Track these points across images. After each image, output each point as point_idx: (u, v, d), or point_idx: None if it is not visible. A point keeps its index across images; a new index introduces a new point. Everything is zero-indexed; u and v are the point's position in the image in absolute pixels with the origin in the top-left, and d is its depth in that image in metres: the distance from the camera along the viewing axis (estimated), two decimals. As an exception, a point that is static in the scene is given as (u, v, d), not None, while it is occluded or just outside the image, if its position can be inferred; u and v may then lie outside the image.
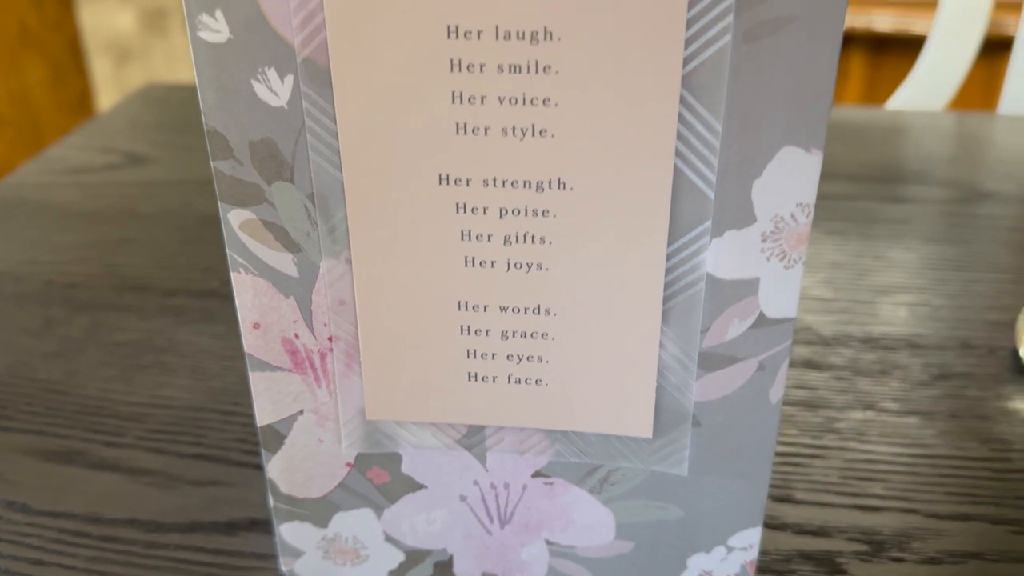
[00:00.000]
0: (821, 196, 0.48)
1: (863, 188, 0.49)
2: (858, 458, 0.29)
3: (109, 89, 1.89)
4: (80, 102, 1.83)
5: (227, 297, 0.39)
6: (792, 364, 0.34)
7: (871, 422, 0.31)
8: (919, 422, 0.31)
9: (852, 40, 1.16)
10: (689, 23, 0.17)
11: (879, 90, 1.19)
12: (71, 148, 0.55)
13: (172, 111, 0.61)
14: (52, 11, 1.74)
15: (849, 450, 0.30)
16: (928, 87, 0.67)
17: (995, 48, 0.94)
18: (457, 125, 0.18)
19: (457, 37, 0.17)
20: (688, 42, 0.17)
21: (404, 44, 0.17)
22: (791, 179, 0.18)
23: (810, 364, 0.34)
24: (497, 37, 0.17)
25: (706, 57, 0.17)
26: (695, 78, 0.17)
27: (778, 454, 0.29)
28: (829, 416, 0.31)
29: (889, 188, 0.49)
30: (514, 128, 0.18)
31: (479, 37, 0.17)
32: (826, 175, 0.50)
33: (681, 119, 0.18)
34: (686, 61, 0.17)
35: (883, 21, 1.11)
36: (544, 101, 0.18)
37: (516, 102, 0.18)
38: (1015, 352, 0.34)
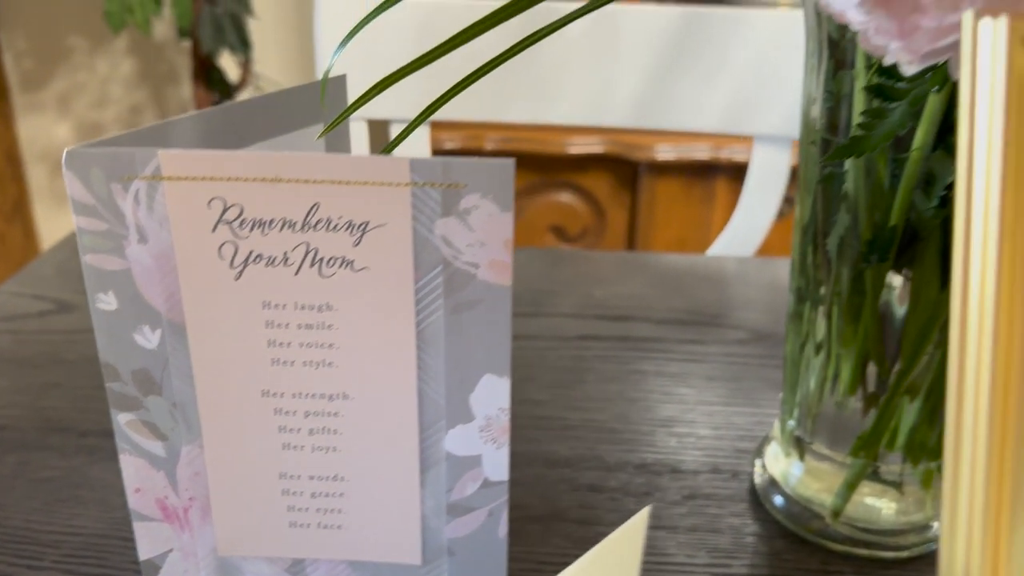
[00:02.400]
0: (631, 339, 0.58)
1: (668, 331, 0.59)
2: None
3: (44, 197, 1.95)
4: (16, 209, 1.88)
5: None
6: (576, 488, 0.43)
7: (629, 536, 0.40)
8: (664, 535, 0.41)
9: (719, 169, 1.30)
10: (416, 303, 0.26)
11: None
12: (7, 295, 0.63)
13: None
14: (-21, 124, 1.79)
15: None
16: (742, 234, 0.79)
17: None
18: (272, 360, 0.27)
19: (270, 308, 0.27)
20: (417, 313, 0.27)
21: (235, 311, 0.27)
22: (492, 393, 0.28)
23: (593, 488, 0.43)
24: (296, 308, 0.27)
25: (429, 322, 0.27)
26: (424, 335, 0.27)
27: (549, 563, 0.38)
28: (600, 531, 0.41)
29: (689, 331, 0.59)
30: (311, 361, 0.27)
31: (284, 308, 0.27)
32: (639, 319, 0.61)
33: (419, 360, 0.27)
34: (418, 324, 0.27)
35: (744, 153, 1.26)
36: (330, 345, 0.27)
37: (311, 346, 0.27)
38: (752, 476, 0.44)
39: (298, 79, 1.77)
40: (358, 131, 0.81)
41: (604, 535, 0.40)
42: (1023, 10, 0.16)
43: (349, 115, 0.30)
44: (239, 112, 0.31)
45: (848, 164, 0.33)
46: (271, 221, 0.26)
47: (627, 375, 0.54)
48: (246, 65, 1.61)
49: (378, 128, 0.84)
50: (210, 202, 0.26)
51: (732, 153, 1.27)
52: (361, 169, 0.25)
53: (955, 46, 0.19)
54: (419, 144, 0.84)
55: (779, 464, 0.42)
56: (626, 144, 1.30)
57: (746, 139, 0.81)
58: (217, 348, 0.27)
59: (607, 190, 1.36)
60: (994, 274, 0.16)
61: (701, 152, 1.27)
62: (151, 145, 0.27)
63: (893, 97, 0.27)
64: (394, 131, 0.81)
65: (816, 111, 0.35)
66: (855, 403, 0.38)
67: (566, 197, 1.38)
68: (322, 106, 0.33)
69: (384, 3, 0.32)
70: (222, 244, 0.26)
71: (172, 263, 0.26)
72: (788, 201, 1.21)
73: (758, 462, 0.44)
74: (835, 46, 0.32)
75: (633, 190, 1.35)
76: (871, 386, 0.37)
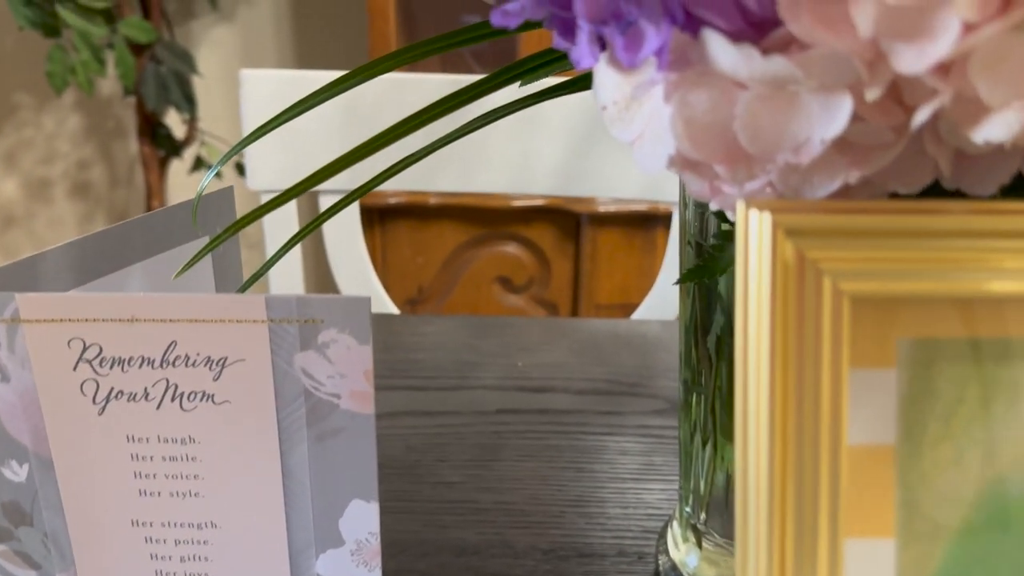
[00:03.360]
0: (549, 411, 0.59)
1: (586, 402, 0.60)
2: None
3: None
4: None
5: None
6: (483, 579, 0.44)
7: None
8: (567, 625, 0.41)
9: (658, 219, 1.32)
10: (280, 433, 0.27)
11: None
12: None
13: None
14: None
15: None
16: (669, 296, 0.81)
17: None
18: (139, 491, 0.28)
19: (134, 441, 0.27)
20: (281, 443, 0.27)
21: (100, 445, 0.27)
22: (361, 518, 0.28)
23: (500, 576, 0.44)
24: (160, 440, 0.27)
25: (294, 451, 0.27)
26: (289, 463, 0.27)
27: (449, 663, 0.39)
28: (503, 623, 0.41)
29: (607, 402, 0.60)
30: (177, 492, 0.28)
31: (147, 441, 0.27)
32: (559, 390, 0.62)
33: (286, 488, 0.28)
34: (282, 454, 0.27)
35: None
36: (195, 476, 0.27)
37: (176, 477, 0.27)
38: (656, 557, 0.45)
39: (241, 134, 1.78)
40: (287, 206, 0.82)
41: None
42: (786, 204, 0.17)
43: (238, 231, 0.30)
44: (116, 235, 0.31)
45: (718, 268, 0.34)
46: (130, 359, 0.26)
47: (542, 451, 0.55)
48: (191, 122, 1.61)
49: (306, 197, 0.84)
50: (70, 342, 0.26)
51: (670, 205, 1.29)
52: (217, 308, 0.25)
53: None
54: (349, 209, 0.84)
55: (679, 550, 0.43)
56: (567, 197, 1.31)
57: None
58: (84, 480, 0.28)
59: (551, 241, 1.37)
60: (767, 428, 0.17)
61: (639, 204, 1.29)
62: (21, 277, 0.27)
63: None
64: (322, 201, 0.82)
65: (689, 214, 0.36)
66: (743, 492, 0.39)
67: (511, 248, 1.39)
68: (194, 226, 0.33)
69: (299, 103, 0.33)
70: (84, 381, 0.26)
71: (36, 400, 0.27)
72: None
73: (660, 545, 0.44)
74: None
75: (576, 240, 1.37)
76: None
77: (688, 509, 0.41)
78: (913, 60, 0.16)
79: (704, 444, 0.39)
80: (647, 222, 1.32)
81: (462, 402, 0.60)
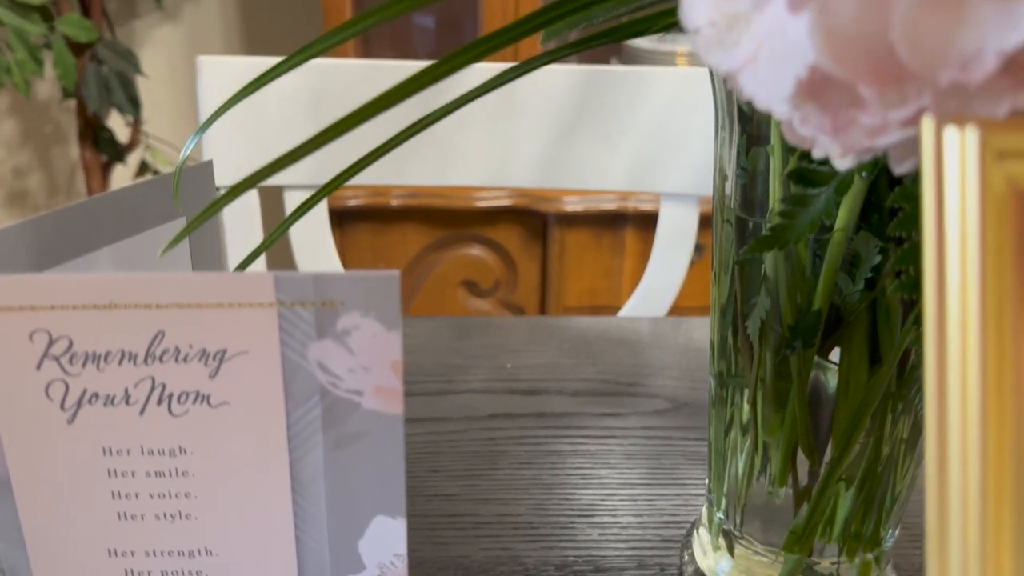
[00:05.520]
0: (546, 415, 0.55)
1: (583, 404, 0.56)
2: None
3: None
4: None
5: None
6: (493, 600, 0.40)
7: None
8: (591, 648, 0.37)
9: (626, 219, 1.29)
10: (289, 440, 0.22)
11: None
12: None
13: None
14: None
15: None
16: (654, 292, 0.77)
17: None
18: (118, 513, 0.23)
19: (111, 454, 0.22)
20: (291, 452, 0.23)
21: (69, 460, 0.22)
22: (385, 538, 0.24)
23: (511, 596, 0.40)
24: (143, 453, 0.22)
25: (306, 461, 0.23)
26: (301, 476, 0.23)
27: None
28: (520, 648, 0.37)
29: (605, 403, 0.57)
30: (164, 514, 0.23)
31: (128, 454, 0.22)
32: (553, 392, 0.58)
33: (296, 505, 0.23)
34: (292, 465, 0.23)
35: (651, 203, 1.25)
36: (186, 495, 0.23)
37: (164, 496, 0.23)
38: (680, 570, 0.41)
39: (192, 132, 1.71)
40: (249, 202, 0.77)
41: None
42: (992, 121, 0.13)
43: (217, 211, 0.26)
44: (81, 213, 0.27)
45: (766, 244, 0.31)
46: (107, 354, 0.21)
47: (542, 457, 0.50)
48: (135, 125, 1.54)
49: (271, 195, 0.79)
50: (32, 335, 0.21)
51: (639, 203, 1.26)
52: (215, 289, 0.21)
53: (899, 142, 0.17)
54: (318, 210, 0.79)
55: (707, 558, 0.39)
56: (534, 196, 1.28)
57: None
58: (50, 504, 0.23)
59: (517, 243, 1.33)
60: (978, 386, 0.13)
61: (608, 203, 1.26)
62: (-35, 262, 0.23)
63: (816, 182, 0.25)
64: (288, 198, 0.77)
65: (729, 187, 0.32)
66: (785, 495, 0.35)
67: (476, 251, 1.35)
68: (176, 204, 0.29)
69: (259, 78, 0.28)
70: (49, 383, 0.22)
71: (-12, 407, 0.22)
72: (698, 249, 1.20)
73: (686, 554, 0.41)
74: (748, 120, 0.30)
75: (543, 242, 1.33)
76: (803, 475, 0.35)
77: (720, 514, 0.38)
78: None
79: (743, 439, 0.35)
80: (615, 221, 1.29)
81: (451, 407, 0.56)
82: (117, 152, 1.56)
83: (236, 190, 0.23)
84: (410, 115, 0.28)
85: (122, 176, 1.67)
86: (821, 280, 0.30)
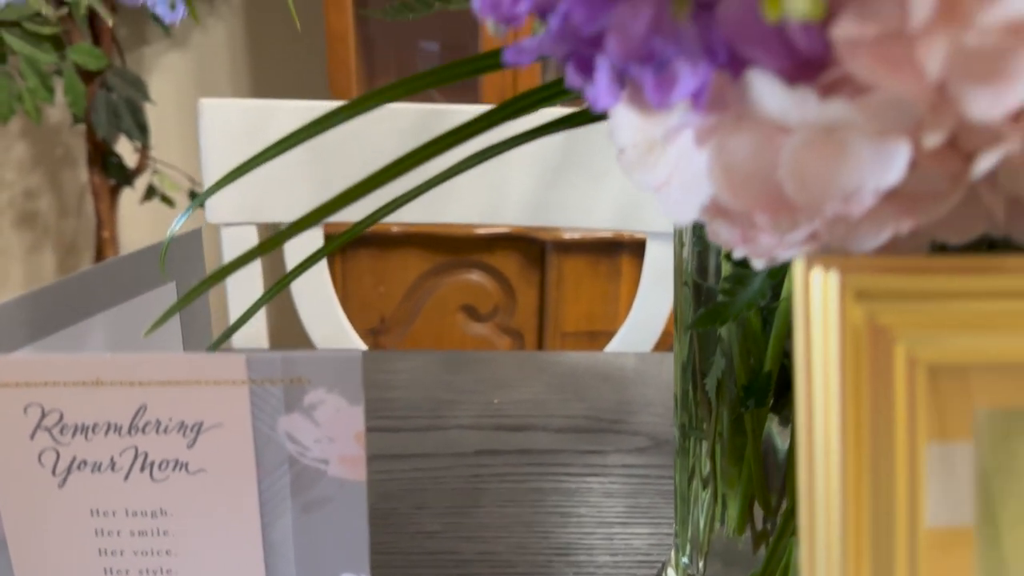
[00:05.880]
0: (530, 452, 0.57)
1: (567, 441, 0.58)
2: None
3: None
4: None
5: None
6: (469, 637, 0.41)
7: None
8: None
9: (623, 246, 1.31)
10: (261, 504, 0.24)
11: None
12: None
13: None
14: None
15: None
16: (641, 327, 0.79)
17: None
18: (104, 569, 0.25)
19: (99, 515, 0.24)
20: (263, 515, 0.25)
21: (60, 520, 0.24)
22: (350, 593, 0.26)
23: (486, 634, 0.41)
24: (128, 514, 0.24)
25: (278, 524, 0.25)
26: (272, 537, 0.25)
27: None
28: None
29: (588, 440, 0.58)
30: (147, 570, 0.25)
31: (114, 515, 0.24)
32: (538, 428, 0.59)
33: (268, 564, 0.25)
34: (264, 527, 0.25)
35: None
36: (167, 552, 0.25)
37: (147, 554, 0.25)
38: (649, 607, 0.43)
39: (197, 164, 1.74)
40: (247, 236, 0.79)
41: None
42: (852, 263, 0.15)
43: (210, 287, 0.28)
44: (74, 286, 0.29)
45: (720, 309, 0.33)
46: (94, 426, 0.24)
47: (525, 495, 0.52)
48: (143, 151, 1.57)
49: (269, 232, 0.82)
50: (27, 408, 0.23)
51: (635, 231, 1.28)
52: (193, 368, 0.23)
53: (865, 227, 0.18)
54: (314, 240, 0.82)
55: (674, 600, 0.41)
56: (532, 225, 1.30)
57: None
58: (43, 561, 0.25)
59: (516, 269, 1.36)
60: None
61: (605, 231, 1.28)
62: (-32, 336, 0.25)
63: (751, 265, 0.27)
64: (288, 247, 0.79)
65: (687, 252, 0.34)
66: (745, 541, 0.37)
67: (476, 276, 1.37)
68: (162, 273, 0.31)
69: (265, 151, 0.31)
70: (42, 451, 0.24)
71: (-13, 473, 0.24)
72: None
73: (655, 595, 0.43)
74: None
75: (541, 268, 1.35)
76: (759, 524, 0.36)
77: (685, 559, 0.40)
78: (988, 106, 0.15)
79: (704, 489, 0.37)
80: (612, 248, 1.31)
81: (438, 443, 0.58)
82: (125, 176, 1.59)
83: (236, 264, 0.25)
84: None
85: (130, 199, 1.70)
86: (770, 345, 0.32)
